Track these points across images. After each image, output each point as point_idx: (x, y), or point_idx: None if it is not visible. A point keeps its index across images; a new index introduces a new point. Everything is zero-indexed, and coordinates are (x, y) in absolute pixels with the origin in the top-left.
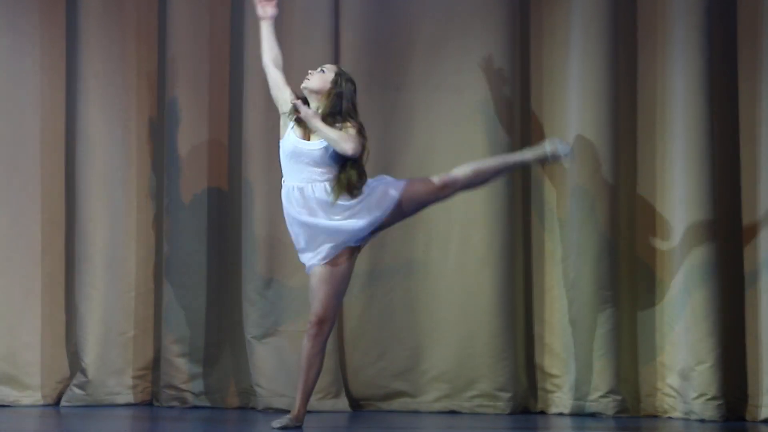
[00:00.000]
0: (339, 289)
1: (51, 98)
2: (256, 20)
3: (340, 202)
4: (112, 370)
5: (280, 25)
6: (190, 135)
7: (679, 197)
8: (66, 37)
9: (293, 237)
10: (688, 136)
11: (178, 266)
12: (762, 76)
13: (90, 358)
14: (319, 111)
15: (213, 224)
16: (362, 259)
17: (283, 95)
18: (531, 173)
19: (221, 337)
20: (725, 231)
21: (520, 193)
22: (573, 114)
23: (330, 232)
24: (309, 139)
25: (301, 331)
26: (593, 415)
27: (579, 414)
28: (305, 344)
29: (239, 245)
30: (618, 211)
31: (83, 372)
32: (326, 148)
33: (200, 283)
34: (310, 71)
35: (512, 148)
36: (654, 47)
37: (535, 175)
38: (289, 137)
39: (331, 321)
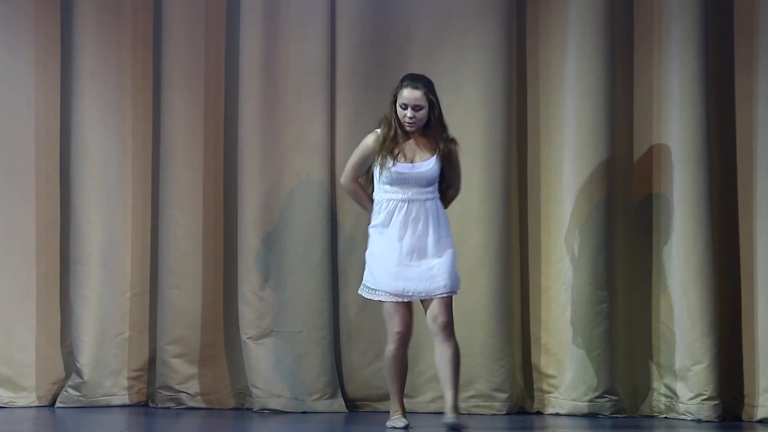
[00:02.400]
0: None
1: (46, 98)
2: (252, 20)
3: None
4: (108, 371)
5: (276, 25)
6: (186, 136)
7: (675, 197)
8: (61, 36)
9: None
10: (685, 136)
11: (174, 267)
12: (759, 76)
13: (85, 359)
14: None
15: (208, 225)
16: (358, 260)
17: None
18: (527, 174)
19: (217, 338)
20: (722, 231)
21: (516, 194)
22: (569, 114)
23: None
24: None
25: (296, 332)
26: (589, 415)
27: (575, 414)
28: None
29: (235, 246)
30: (614, 211)
31: (78, 373)
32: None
33: (196, 283)
34: (407, 116)
35: (507, 147)
36: (650, 47)
37: (531, 176)
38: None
39: None
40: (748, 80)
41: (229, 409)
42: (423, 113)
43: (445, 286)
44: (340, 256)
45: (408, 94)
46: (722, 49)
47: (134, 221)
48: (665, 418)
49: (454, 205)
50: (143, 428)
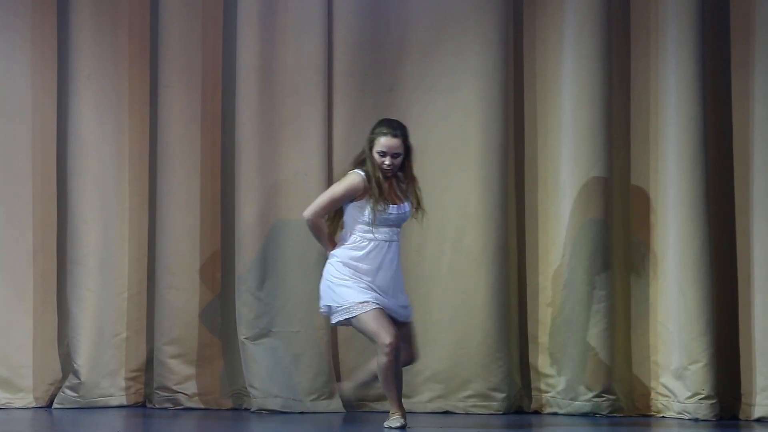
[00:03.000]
0: None
1: (43, 98)
2: (249, 20)
3: None
4: (105, 372)
5: (273, 25)
6: (183, 136)
7: (672, 197)
8: (58, 37)
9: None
10: (682, 136)
11: (171, 267)
12: (755, 76)
13: (82, 359)
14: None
15: (206, 225)
16: None
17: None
18: (524, 174)
19: (214, 339)
20: (718, 231)
21: (513, 194)
22: (566, 114)
23: None
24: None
25: (294, 332)
26: (587, 414)
27: (573, 414)
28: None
29: (232, 246)
30: (611, 211)
31: (76, 374)
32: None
33: (193, 284)
34: (386, 163)
35: (505, 148)
36: (647, 47)
37: (529, 176)
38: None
39: None
40: (745, 79)
41: (226, 409)
42: (400, 160)
43: (411, 314)
44: None
45: (386, 142)
46: (719, 49)
47: (131, 221)
48: (663, 417)
49: (452, 205)
50: (141, 429)
